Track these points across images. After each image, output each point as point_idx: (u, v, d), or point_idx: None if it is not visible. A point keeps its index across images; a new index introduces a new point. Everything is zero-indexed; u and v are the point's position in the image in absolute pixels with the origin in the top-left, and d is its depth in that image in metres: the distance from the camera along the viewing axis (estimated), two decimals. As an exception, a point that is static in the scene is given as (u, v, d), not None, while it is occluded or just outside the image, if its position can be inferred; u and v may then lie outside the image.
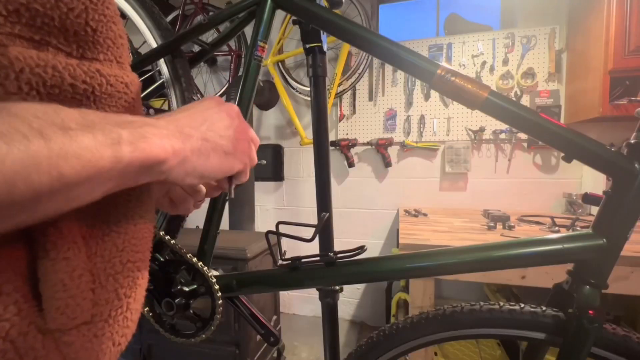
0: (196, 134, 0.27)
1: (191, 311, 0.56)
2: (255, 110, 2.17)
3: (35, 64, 0.20)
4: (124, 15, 0.74)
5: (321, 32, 0.66)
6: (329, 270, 0.53)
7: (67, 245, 0.22)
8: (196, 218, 2.03)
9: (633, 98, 1.34)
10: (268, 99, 2.07)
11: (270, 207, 2.23)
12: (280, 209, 2.21)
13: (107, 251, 0.25)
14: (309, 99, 1.96)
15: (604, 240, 0.45)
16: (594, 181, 1.61)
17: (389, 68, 1.94)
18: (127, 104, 0.26)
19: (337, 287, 0.71)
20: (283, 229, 0.55)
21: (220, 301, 0.55)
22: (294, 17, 0.62)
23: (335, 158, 2.04)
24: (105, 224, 0.26)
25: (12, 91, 0.19)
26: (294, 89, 2.02)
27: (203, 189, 0.40)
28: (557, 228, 1.26)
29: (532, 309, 0.50)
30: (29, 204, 0.17)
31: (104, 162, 0.19)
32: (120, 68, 0.26)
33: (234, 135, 0.30)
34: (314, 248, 0.58)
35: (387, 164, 1.95)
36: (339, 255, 0.53)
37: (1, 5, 0.19)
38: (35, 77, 0.20)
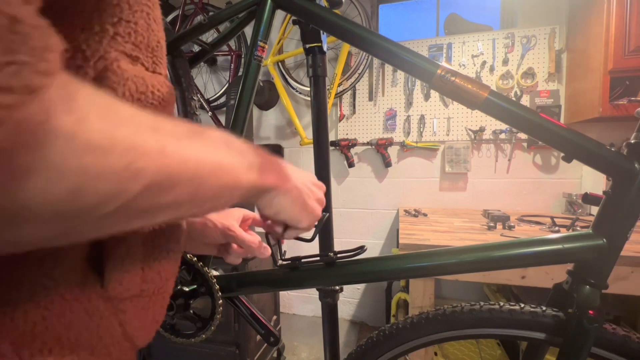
0: (294, 182, 0.35)
1: (191, 311, 0.56)
2: (255, 110, 2.17)
3: (133, 74, 0.25)
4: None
5: (321, 32, 0.66)
6: (329, 270, 0.53)
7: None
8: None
9: (633, 98, 1.34)
10: (268, 99, 2.07)
11: (270, 207, 2.23)
12: (280, 209, 2.21)
13: (157, 240, 0.31)
14: (309, 99, 1.96)
15: (604, 240, 0.45)
16: (594, 181, 1.61)
17: (389, 68, 1.94)
18: (171, 108, 0.33)
19: (337, 287, 0.71)
20: (283, 229, 0.55)
21: (220, 301, 0.55)
22: (294, 17, 0.62)
23: (335, 158, 2.03)
24: None
25: (119, 95, 0.24)
26: (294, 89, 2.02)
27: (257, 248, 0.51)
28: (557, 228, 1.26)
29: (532, 309, 0.50)
30: (199, 203, 0.23)
31: (242, 181, 0.27)
32: (166, 79, 0.32)
33: (315, 199, 0.39)
34: (314, 248, 0.58)
35: (387, 164, 1.95)
36: (339, 255, 0.53)
37: (121, 28, 0.24)
38: (132, 85, 0.25)
